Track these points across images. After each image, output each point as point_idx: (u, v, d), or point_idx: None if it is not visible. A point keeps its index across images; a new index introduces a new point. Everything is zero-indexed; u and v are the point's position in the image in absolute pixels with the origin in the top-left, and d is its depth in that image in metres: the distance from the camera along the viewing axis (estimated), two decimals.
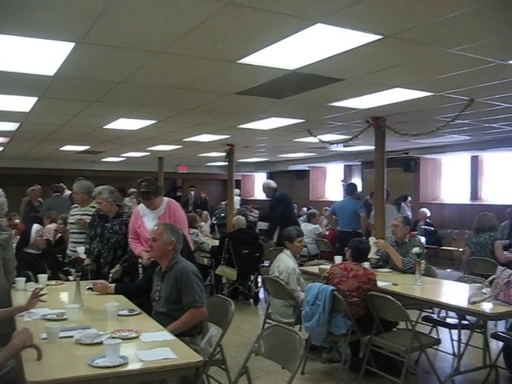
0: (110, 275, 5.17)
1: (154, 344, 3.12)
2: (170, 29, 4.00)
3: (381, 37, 4.14)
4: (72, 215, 6.53)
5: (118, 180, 16.57)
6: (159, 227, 4.22)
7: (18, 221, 8.72)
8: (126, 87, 6.03)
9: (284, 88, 6.13)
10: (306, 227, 10.14)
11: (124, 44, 4.40)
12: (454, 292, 5.36)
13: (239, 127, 9.42)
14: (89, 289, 4.66)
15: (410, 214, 12.67)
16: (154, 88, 6.18)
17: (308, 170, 19.15)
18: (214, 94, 6.46)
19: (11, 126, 9.64)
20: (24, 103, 7.22)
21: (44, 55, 4.80)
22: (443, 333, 5.94)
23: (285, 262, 5.80)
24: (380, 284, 5.18)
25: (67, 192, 12.62)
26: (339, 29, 3.96)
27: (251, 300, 8.63)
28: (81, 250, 4.43)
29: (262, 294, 8.91)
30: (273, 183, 9.79)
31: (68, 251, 6.43)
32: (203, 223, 11.79)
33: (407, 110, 7.42)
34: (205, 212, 13.87)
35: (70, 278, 5.58)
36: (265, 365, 5.13)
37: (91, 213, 6.17)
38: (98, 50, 4.56)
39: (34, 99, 6.91)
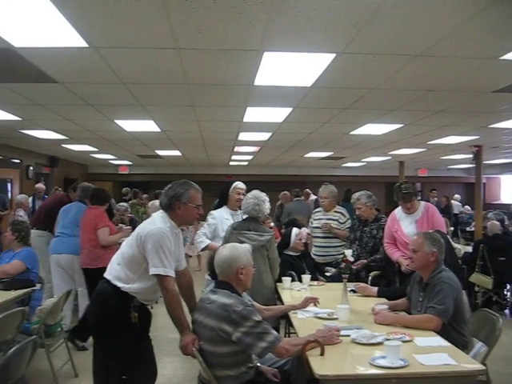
0: (369, 278, 5.25)
1: (429, 349, 3.09)
2: (432, 31, 3.97)
3: None
4: (315, 219, 6.61)
5: (358, 185, 16.73)
6: (419, 237, 4.03)
7: (272, 224, 9.27)
8: (378, 93, 6.11)
9: None
10: None
11: (383, 50, 4.47)
12: None
13: (490, 127, 8.94)
14: (351, 290, 4.79)
15: None
16: (405, 92, 6.16)
17: None
18: (468, 93, 6.23)
19: (264, 136, 10.42)
20: (278, 114, 7.75)
21: (305, 68, 5.10)
22: None
23: None
24: None
25: (312, 197, 13.14)
26: None
27: (506, 310, 8.08)
28: (348, 252, 4.55)
29: None
30: None
31: (312, 255, 6.42)
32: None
33: None
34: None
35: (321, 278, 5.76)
36: None
37: (335, 218, 6.32)
38: (356, 58, 4.71)
39: (288, 110, 7.36)
